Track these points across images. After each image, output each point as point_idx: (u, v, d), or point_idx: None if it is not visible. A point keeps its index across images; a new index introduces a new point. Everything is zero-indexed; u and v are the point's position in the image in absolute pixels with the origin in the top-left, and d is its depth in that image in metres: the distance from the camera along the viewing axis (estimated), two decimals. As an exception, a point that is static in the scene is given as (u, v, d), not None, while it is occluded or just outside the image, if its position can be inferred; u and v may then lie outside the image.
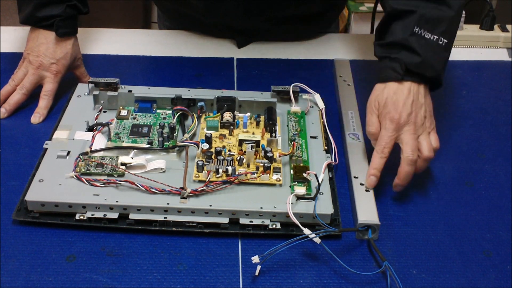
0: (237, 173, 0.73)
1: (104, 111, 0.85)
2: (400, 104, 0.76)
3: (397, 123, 0.75)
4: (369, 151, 0.81)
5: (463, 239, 0.71)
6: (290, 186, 0.73)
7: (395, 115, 0.76)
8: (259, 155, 0.76)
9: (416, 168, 0.75)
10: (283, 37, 1.10)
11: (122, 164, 0.74)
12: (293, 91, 0.87)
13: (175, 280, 0.64)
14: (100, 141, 0.78)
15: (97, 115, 0.84)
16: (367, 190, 0.74)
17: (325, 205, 0.70)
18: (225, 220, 0.69)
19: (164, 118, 0.84)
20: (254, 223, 0.69)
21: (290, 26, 1.08)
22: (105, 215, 0.69)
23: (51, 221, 0.69)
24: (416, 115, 0.76)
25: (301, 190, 0.72)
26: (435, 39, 0.79)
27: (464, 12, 1.11)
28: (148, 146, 0.78)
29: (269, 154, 0.75)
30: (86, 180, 0.72)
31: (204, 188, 0.71)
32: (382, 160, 0.75)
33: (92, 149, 0.77)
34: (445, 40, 0.80)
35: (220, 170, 0.73)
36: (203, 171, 0.73)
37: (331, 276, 0.66)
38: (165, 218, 0.69)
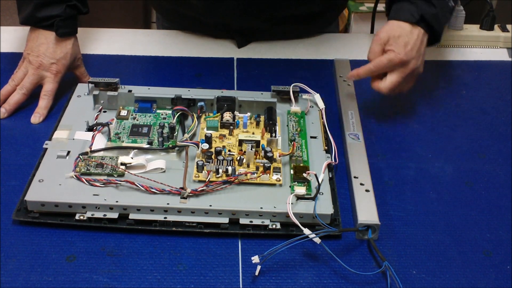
0: (237, 173, 0.73)
1: (104, 111, 0.85)
2: (409, 46, 0.84)
3: (400, 61, 0.83)
4: (369, 151, 0.82)
5: (463, 239, 0.71)
6: (290, 186, 0.73)
7: (402, 54, 0.83)
8: (259, 155, 0.76)
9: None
10: (283, 37, 1.10)
11: (122, 164, 0.74)
12: (293, 91, 0.87)
13: (175, 280, 0.64)
14: (100, 141, 0.78)
15: (97, 115, 0.84)
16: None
17: (325, 205, 0.70)
18: (225, 220, 0.69)
19: (164, 118, 0.84)
20: (254, 223, 0.69)
21: (290, 26, 1.08)
22: (105, 215, 0.69)
23: (51, 221, 0.69)
24: (416, 61, 0.85)
25: (301, 190, 0.72)
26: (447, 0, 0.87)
27: (464, 12, 1.11)
28: (148, 146, 0.78)
29: (269, 154, 0.75)
30: (86, 180, 0.72)
31: (204, 188, 0.71)
32: (367, 74, 0.85)
33: (92, 149, 0.77)
34: (453, 4, 0.88)
35: (220, 170, 0.73)
36: (203, 171, 0.73)
37: (331, 276, 0.66)
38: (165, 218, 0.69)
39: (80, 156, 0.75)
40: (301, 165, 0.76)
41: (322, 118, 0.85)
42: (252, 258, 0.64)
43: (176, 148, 0.77)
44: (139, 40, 1.10)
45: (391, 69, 0.84)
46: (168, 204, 0.69)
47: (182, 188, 0.71)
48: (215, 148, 0.75)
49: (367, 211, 0.71)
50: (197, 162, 0.74)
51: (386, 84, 0.85)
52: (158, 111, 0.85)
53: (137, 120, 0.83)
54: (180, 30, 1.13)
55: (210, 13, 1.04)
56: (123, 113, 0.84)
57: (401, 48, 0.83)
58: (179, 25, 1.13)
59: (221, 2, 1.01)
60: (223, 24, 1.07)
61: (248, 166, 0.75)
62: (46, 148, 0.77)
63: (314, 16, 1.09)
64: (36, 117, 0.87)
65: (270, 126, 0.81)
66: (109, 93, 0.85)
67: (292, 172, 0.75)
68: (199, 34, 1.11)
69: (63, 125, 0.82)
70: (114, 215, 0.69)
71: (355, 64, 1.03)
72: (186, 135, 0.79)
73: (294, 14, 1.06)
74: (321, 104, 0.88)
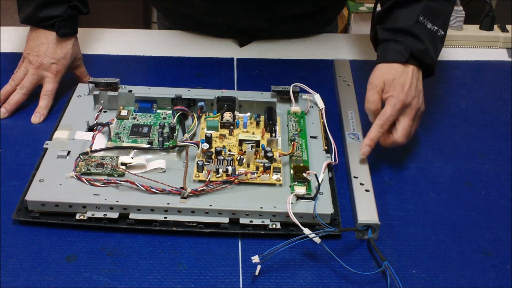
0: (237, 173, 0.73)
1: (104, 111, 0.85)
2: (406, 86, 0.80)
3: (403, 104, 0.79)
4: (369, 151, 0.82)
5: (463, 239, 0.71)
6: (290, 186, 0.73)
7: (403, 97, 0.79)
8: (259, 155, 0.76)
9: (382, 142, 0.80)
10: (284, 37, 1.10)
11: (122, 164, 0.74)
12: (293, 91, 0.87)
13: (175, 280, 0.65)
14: (100, 141, 0.79)
15: (97, 115, 0.84)
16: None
17: (325, 205, 0.70)
18: (225, 220, 0.69)
19: (164, 118, 0.84)
20: (254, 223, 0.69)
21: (290, 25, 1.08)
22: (105, 215, 0.69)
23: (51, 221, 0.69)
24: (417, 100, 0.81)
25: (301, 190, 0.72)
26: (435, 30, 0.84)
27: (464, 12, 1.11)
28: (148, 146, 0.78)
29: (269, 154, 0.75)
30: (86, 180, 0.72)
31: (204, 188, 0.71)
32: (380, 134, 0.79)
33: (92, 149, 0.77)
34: (442, 32, 0.85)
35: (220, 170, 0.73)
36: (203, 171, 0.73)
37: (331, 276, 0.66)
38: (165, 218, 0.69)
39: (81, 156, 0.75)
40: (301, 165, 0.76)
41: (322, 118, 0.85)
42: (252, 258, 0.65)
43: (176, 148, 0.77)
44: (139, 40, 1.10)
45: (397, 116, 0.79)
46: (168, 204, 0.69)
47: (182, 188, 0.71)
48: (215, 148, 0.76)
49: (367, 211, 0.71)
50: (197, 162, 0.74)
51: (399, 133, 0.79)
52: (158, 111, 0.85)
53: (137, 120, 0.83)
54: (181, 30, 1.13)
55: (212, 12, 1.04)
56: (124, 113, 0.84)
57: (399, 90, 0.79)
58: (181, 25, 1.13)
59: (223, 2, 1.01)
60: (225, 24, 1.07)
61: (248, 166, 0.75)
62: (47, 148, 0.78)
63: (315, 15, 1.09)
64: (37, 117, 0.87)
65: (270, 126, 0.81)
66: (110, 93, 0.85)
67: (292, 172, 0.75)
68: (199, 34, 1.11)
69: (64, 125, 0.82)
70: (114, 215, 0.69)
71: (355, 64, 1.04)
72: (186, 135, 0.79)
73: (295, 13, 1.06)
74: (321, 104, 0.88)
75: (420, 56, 0.82)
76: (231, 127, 0.81)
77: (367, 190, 0.74)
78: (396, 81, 0.80)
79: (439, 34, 0.84)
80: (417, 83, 0.82)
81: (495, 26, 1.13)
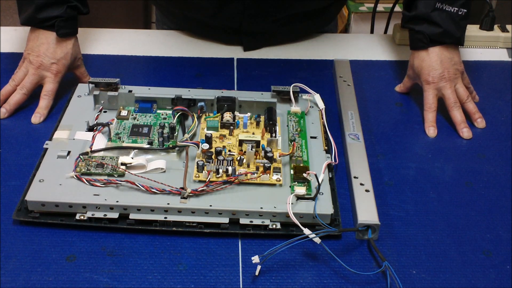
0: (237, 173, 0.73)
1: (104, 111, 0.85)
2: (431, 68, 0.91)
3: (432, 83, 0.91)
4: (369, 151, 0.82)
5: (463, 239, 0.71)
6: (290, 186, 0.73)
7: (428, 78, 0.91)
8: (259, 155, 0.76)
9: (466, 110, 0.91)
10: (287, 36, 1.10)
11: (122, 164, 0.74)
12: (293, 91, 0.87)
13: (175, 280, 0.65)
14: (100, 141, 0.79)
15: (97, 115, 0.84)
16: (366, 190, 0.75)
17: (325, 205, 0.70)
18: (225, 220, 0.69)
19: (164, 118, 0.84)
20: (254, 223, 0.69)
21: (295, 25, 1.08)
22: (105, 215, 0.69)
23: (51, 221, 0.69)
24: (448, 72, 0.91)
25: (301, 190, 0.72)
26: (455, 11, 0.92)
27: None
28: (148, 146, 0.78)
29: (269, 154, 0.75)
30: (86, 180, 0.72)
31: (204, 188, 0.71)
32: (434, 113, 0.90)
33: (93, 149, 0.77)
34: (465, 10, 0.92)
35: (220, 170, 0.73)
36: (203, 171, 0.73)
37: (331, 276, 0.66)
38: (165, 218, 0.69)
39: (81, 156, 0.75)
40: (301, 165, 0.76)
41: (322, 118, 0.85)
42: (252, 258, 0.65)
43: (176, 148, 0.77)
44: (139, 40, 1.10)
45: (436, 93, 0.91)
46: (168, 204, 0.69)
47: (182, 188, 0.71)
48: (215, 148, 0.76)
49: (367, 211, 0.71)
50: (197, 162, 0.74)
51: (450, 104, 0.90)
52: (158, 111, 0.85)
53: (137, 120, 0.83)
54: (181, 31, 1.13)
55: (219, 15, 1.04)
56: (124, 113, 0.84)
57: (426, 74, 0.91)
58: (184, 29, 1.13)
59: (230, 4, 1.01)
60: (231, 28, 1.07)
61: (248, 166, 0.75)
62: (47, 148, 0.78)
63: (318, 12, 1.08)
64: (37, 117, 0.87)
65: (270, 126, 0.81)
66: (110, 93, 0.85)
67: (292, 172, 0.75)
68: (200, 35, 1.11)
69: (64, 125, 0.82)
70: (114, 215, 0.69)
71: (355, 64, 1.04)
72: (186, 135, 0.79)
73: (300, 11, 1.05)
74: (321, 104, 0.88)
75: (439, 39, 0.91)
76: (231, 127, 0.81)
77: (367, 190, 0.74)
78: (422, 67, 0.92)
79: (460, 13, 0.91)
80: (443, 58, 0.91)
81: (495, 26, 1.13)
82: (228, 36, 1.08)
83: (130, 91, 0.86)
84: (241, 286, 0.64)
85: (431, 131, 0.89)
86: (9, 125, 0.86)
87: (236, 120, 0.82)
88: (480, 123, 0.91)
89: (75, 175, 0.72)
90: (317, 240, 0.66)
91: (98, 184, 0.72)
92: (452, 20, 0.91)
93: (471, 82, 0.96)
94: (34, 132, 0.85)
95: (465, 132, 0.88)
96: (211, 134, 0.78)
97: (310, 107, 0.88)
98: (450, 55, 0.92)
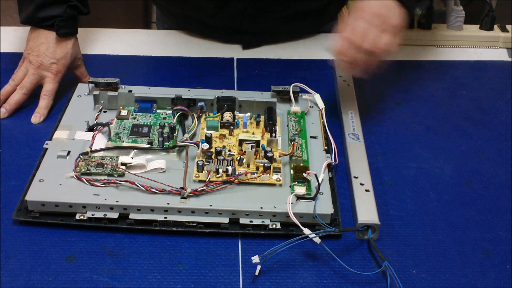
0: (237, 173, 0.73)
1: (104, 111, 0.85)
2: (369, 5, 0.80)
3: (361, 12, 0.80)
4: (369, 151, 0.82)
5: (463, 239, 0.71)
6: (290, 186, 0.73)
7: (365, 7, 0.80)
8: (259, 155, 0.76)
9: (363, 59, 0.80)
10: (287, 36, 1.10)
11: (122, 164, 0.74)
12: (293, 91, 0.87)
13: (175, 280, 0.65)
14: (100, 141, 0.78)
15: (97, 115, 0.84)
16: (362, 186, 0.75)
17: (325, 205, 0.70)
18: (225, 220, 0.69)
19: (164, 118, 0.84)
20: (254, 223, 0.69)
21: (295, 24, 1.08)
22: (105, 215, 0.69)
23: (51, 221, 0.69)
24: (391, 16, 0.80)
25: (301, 190, 0.72)
26: None
27: (464, 12, 1.11)
28: (148, 146, 0.78)
29: (269, 154, 0.75)
30: (86, 180, 0.72)
31: (204, 188, 0.71)
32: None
33: (92, 149, 0.77)
34: None
35: (220, 170, 0.73)
36: (203, 171, 0.73)
37: (331, 276, 0.66)
38: (165, 218, 0.69)
39: (81, 156, 0.75)
40: (301, 165, 0.76)
41: (322, 118, 0.85)
42: (252, 258, 0.65)
43: (176, 148, 0.77)
44: (139, 40, 1.10)
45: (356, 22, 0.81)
46: (168, 204, 0.69)
47: (182, 188, 0.71)
48: (215, 148, 0.75)
49: (367, 211, 0.71)
50: (197, 162, 0.74)
51: (346, 31, 0.81)
52: (158, 111, 0.85)
53: (137, 120, 0.83)
54: (181, 30, 1.13)
55: (219, 15, 1.04)
56: (124, 113, 0.84)
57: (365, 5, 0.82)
58: (184, 29, 1.13)
59: (228, 5, 1.01)
60: (231, 27, 1.07)
61: (248, 166, 0.75)
62: (47, 148, 0.77)
63: (319, 11, 1.08)
64: (37, 117, 0.87)
65: (270, 126, 0.81)
66: (110, 93, 0.85)
67: (292, 172, 0.75)
68: (199, 34, 1.11)
69: (64, 125, 0.82)
70: (114, 215, 0.69)
71: (355, 64, 1.03)
72: (186, 135, 0.79)
73: (301, 10, 1.05)
74: (321, 104, 0.88)
75: None
76: (231, 127, 0.81)
77: (367, 190, 0.74)
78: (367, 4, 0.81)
79: None
80: (383, 4, 0.81)
81: (495, 26, 1.13)
82: (228, 36, 1.08)
83: (130, 91, 0.86)
84: (241, 286, 0.64)
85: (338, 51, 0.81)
86: (9, 125, 0.86)
87: (236, 120, 0.82)
88: None
89: (75, 175, 0.72)
90: (317, 240, 0.66)
91: (98, 184, 0.71)
92: None
93: (471, 82, 0.96)
94: (34, 132, 0.85)
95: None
96: (211, 134, 0.78)
97: (310, 107, 0.88)
98: (389, 7, 0.82)
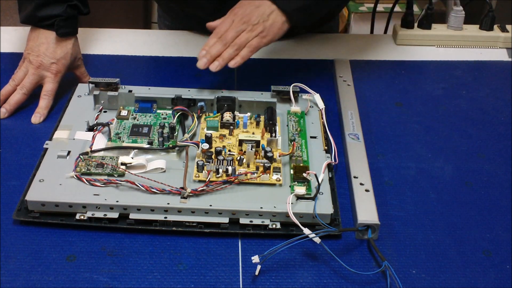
0: (237, 173, 0.73)
1: (104, 111, 0.86)
2: (243, 5, 0.88)
3: (232, 12, 0.87)
4: (368, 151, 0.82)
5: (463, 239, 0.71)
6: (290, 186, 0.73)
7: (235, 7, 0.88)
8: (259, 155, 0.76)
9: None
10: (287, 35, 1.10)
11: (122, 164, 0.74)
12: (293, 91, 0.87)
13: (175, 280, 0.65)
14: (100, 141, 0.79)
15: (97, 115, 0.84)
16: (363, 187, 0.75)
17: (325, 205, 0.70)
18: (225, 220, 0.69)
19: (164, 118, 0.84)
20: (254, 223, 0.69)
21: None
22: (105, 215, 0.69)
23: (51, 221, 0.69)
24: (251, 15, 0.86)
25: (301, 190, 0.72)
26: None
27: (463, 12, 1.11)
28: (148, 146, 0.78)
29: (269, 154, 0.75)
30: (86, 180, 0.72)
31: (204, 188, 0.71)
32: (214, 39, 0.86)
33: (93, 149, 0.77)
34: None
35: (220, 170, 0.73)
36: (203, 171, 0.73)
37: (331, 276, 0.66)
38: (165, 218, 0.69)
39: (81, 156, 0.75)
40: (301, 165, 0.76)
41: (322, 118, 0.85)
42: (252, 258, 0.65)
43: (176, 148, 0.77)
44: (139, 40, 1.10)
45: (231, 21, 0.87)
46: (168, 204, 0.69)
47: (182, 188, 0.71)
48: (215, 148, 0.76)
49: (367, 211, 0.71)
50: (197, 162, 0.74)
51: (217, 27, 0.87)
52: (158, 111, 0.85)
53: (137, 120, 0.83)
54: (181, 30, 1.13)
55: (218, 13, 1.04)
56: (124, 113, 0.84)
57: (238, 5, 0.88)
58: (185, 26, 1.13)
59: (227, 2, 1.01)
60: None
61: (248, 166, 0.75)
62: (47, 148, 0.78)
63: None
64: (37, 117, 0.87)
65: (270, 126, 0.81)
66: (110, 93, 0.85)
67: (292, 172, 0.75)
68: (199, 34, 1.11)
69: (64, 125, 0.82)
70: (114, 215, 0.69)
71: (355, 64, 1.04)
72: (186, 135, 0.79)
73: None
74: (321, 104, 0.88)
75: None
76: (231, 127, 0.81)
77: (367, 190, 0.74)
78: (243, 3, 0.88)
79: None
80: (261, 5, 0.86)
81: (495, 26, 1.13)
82: None
83: (130, 91, 0.86)
84: (241, 286, 0.64)
85: (203, 62, 0.85)
86: (9, 125, 0.86)
87: (236, 120, 0.82)
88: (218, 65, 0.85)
89: (75, 175, 0.72)
90: (317, 240, 0.66)
91: (98, 184, 0.72)
92: None
93: (471, 82, 0.96)
94: (34, 132, 0.85)
95: (201, 62, 0.85)
96: (211, 134, 0.78)
97: (310, 107, 0.88)
98: (267, 11, 0.87)
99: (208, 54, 0.86)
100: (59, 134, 0.80)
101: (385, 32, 1.28)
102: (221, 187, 0.72)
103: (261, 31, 0.86)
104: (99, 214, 0.69)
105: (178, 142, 0.78)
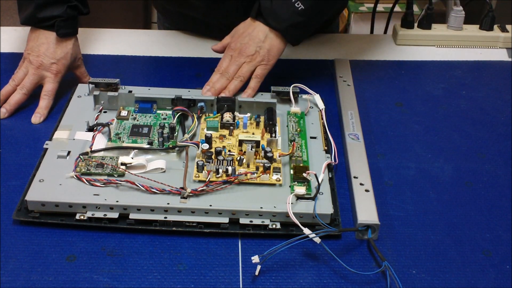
0: (237, 173, 0.73)
1: (104, 112, 0.86)
2: (239, 34, 0.90)
3: (228, 48, 0.90)
4: (368, 151, 0.82)
5: (463, 239, 0.71)
6: (290, 186, 0.73)
7: (231, 42, 0.90)
8: (259, 155, 0.76)
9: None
10: None
11: (122, 164, 0.74)
12: (293, 92, 0.87)
13: (175, 280, 0.65)
14: (100, 141, 0.79)
15: (97, 116, 0.84)
16: (365, 189, 0.75)
17: (325, 205, 0.70)
18: (225, 220, 0.69)
19: (164, 119, 0.84)
20: (254, 223, 0.69)
21: None
22: (105, 215, 0.69)
23: (51, 221, 0.69)
24: (247, 46, 0.88)
25: (301, 190, 0.72)
26: (293, 1, 0.87)
27: (463, 12, 1.11)
28: (148, 146, 0.78)
29: (269, 154, 0.75)
30: (86, 180, 0.72)
31: (204, 188, 0.71)
32: (217, 75, 0.89)
33: (93, 149, 0.77)
34: (302, 6, 0.87)
35: (220, 170, 0.73)
36: (203, 171, 0.73)
37: (331, 276, 0.66)
38: (165, 218, 0.69)
39: (81, 156, 0.75)
40: (301, 165, 0.76)
41: (322, 118, 0.85)
42: (252, 258, 0.65)
43: (176, 148, 0.77)
44: (139, 40, 1.10)
45: (229, 58, 0.90)
46: (168, 204, 0.69)
47: (182, 188, 0.71)
48: (215, 148, 0.76)
49: (366, 211, 0.71)
50: (197, 162, 0.74)
51: (218, 66, 0.89)
52: (158, 111, 0.85)
53: (137, 120, 0.83)
54: (181, 31, 1.13)
55: (212, 13, 1.04)
56: (124, 113, 0.84)
57: (233, 39, 0.90)
58: (181, 26, 1.13)
59: (222, 3, 1.01)
60: (225, 25, 1.07)
61: (248, 166, 0.75)
62: (47, 148, 0.78)
63: None
64: (37, 117, 0.87)
65: (270, 127, 0.81)
66: (110, 93, 0.85)
67: (292, 172, 0.75)
68: (199, 34, 1.11)
69: (64, 125, 0.82)
70: (114, 215, 0.69)
71: (355, 64, 1.04)
72: (186, 135, 0.79)
73: None
74: (321, 105, 0.88)
75: (264, 14, 0.88)
76: (231, 127, 0.81)
77: (367, 190, 0.74)
78: (238, 31, 0.91)
79: (297, 5, 0.87)
80: (255, 33, 0.89)
81: (495, 26, 1.13)
82: (224, 34, 1.08)
83: (130, 91, 0.86)
84: (241, 286, 0.64)
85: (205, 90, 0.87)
86: (9, 125, 0.86)
87: (236, 121, 0.82)
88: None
89: (75, 175, 0.72)
90: (317, 240, 0.66)
91: (98, 184, 0.72)
92: (286, 7, 0.87)
93: (471, 82, 0.96)
94: (34, 132, 0.85)
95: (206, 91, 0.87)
96: (211, 134, 0.78)
97: (310, 107, 0.88)
98: (262, 37, 0.89)
99: (213, 88, 0.87)
100: (59, 134, 0.80)
101: (385, 32, 1.28)
102: (221, 187, 0.72)
103: (261, 60, 0.89)
104: (99, 214, 0.69)
105: (178, 142, 0.78)
